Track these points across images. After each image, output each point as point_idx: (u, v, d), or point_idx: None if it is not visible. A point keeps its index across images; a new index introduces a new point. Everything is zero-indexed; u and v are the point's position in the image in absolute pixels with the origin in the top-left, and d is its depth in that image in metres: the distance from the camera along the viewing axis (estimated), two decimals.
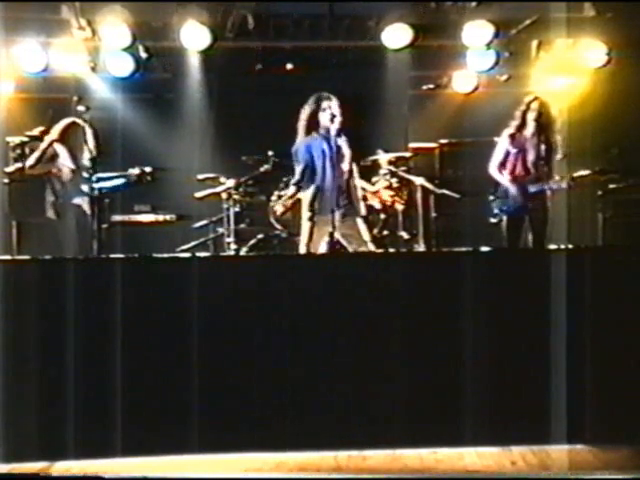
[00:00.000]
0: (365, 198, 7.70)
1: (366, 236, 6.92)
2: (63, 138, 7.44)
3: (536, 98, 7.03)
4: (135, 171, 7.69)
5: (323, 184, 6.86)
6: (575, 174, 7.43)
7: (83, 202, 7.29)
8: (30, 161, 7.38)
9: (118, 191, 7.89)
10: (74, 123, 7.31)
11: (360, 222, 6.93)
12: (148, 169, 7.83)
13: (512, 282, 5.08)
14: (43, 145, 7.42)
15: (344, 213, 6.88)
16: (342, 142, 6.86)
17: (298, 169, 6.89)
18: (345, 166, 6.92)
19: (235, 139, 9.13)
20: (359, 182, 6.94)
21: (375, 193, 7.71)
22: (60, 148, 7.47)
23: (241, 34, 8.65)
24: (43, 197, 7.70)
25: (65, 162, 7.42)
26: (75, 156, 7.42)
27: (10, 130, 8.30)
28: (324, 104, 6.86)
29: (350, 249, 6.82)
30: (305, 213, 6.95)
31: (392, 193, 7.94)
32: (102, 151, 7.29)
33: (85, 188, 7.13)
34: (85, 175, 7.10)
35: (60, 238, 7.29)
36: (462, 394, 4.96)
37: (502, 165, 7.05)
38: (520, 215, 6.99)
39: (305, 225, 6.93)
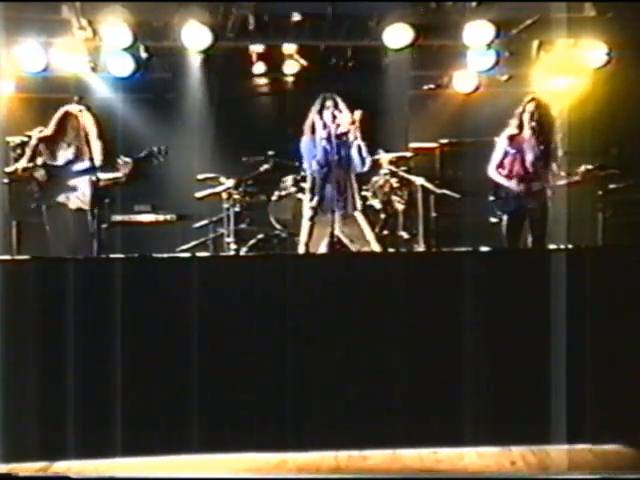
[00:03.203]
0: (365, 198, 7.73)
1: (369, 236, 6.94)
2: (55, 133, 7.06)
3: (533, 99, 7.02)
4: (142, 154, 7.38)
5: (324, 184, 6.88)
6: (577, 170, 7.44)
7: (67, 200, 6.93)
8: (22, 163, 7.10)
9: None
10: (68, 114, 7.12)
11: (362, 222, 6.95)
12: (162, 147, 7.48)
13: (512, 282, 5.08)
14: (32, 143, 7.09)
15: (345, 213, 6.90)
16: (343, 141, 6.89)
17: (307, 166, 6.96)
18: (346, 166, 6.95)
19: (235, 139, 9.13)
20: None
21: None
22: (43, 146, 7.08)
23: (242, 34, 8.65)
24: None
25: (48, 160, 7.01)
26: (61, 151, 7.02)
27: (10, 130, 8.31)
28: (327, 104, 6.90)
29: (353, 249, 6.83)
30: (306, 212, 6.97)
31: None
32: (106, 139, 7.15)
33: (78, 182, 6.96)
34: (86, 165, 6.93)
35: (52, 242, 7.04)
36: (462, 394, 4.95)
37: (501, 166, 7.05)
38: (520, 215, 6.99)
39: (305, 224, 6.94)
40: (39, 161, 6.98)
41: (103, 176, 7.05)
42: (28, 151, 7.03)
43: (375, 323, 5.05)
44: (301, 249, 6.92)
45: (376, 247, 6.92)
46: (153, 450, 4.85)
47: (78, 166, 6.93)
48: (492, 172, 7.05)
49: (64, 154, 7.00)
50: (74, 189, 6.88)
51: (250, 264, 5.61)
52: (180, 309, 4.96)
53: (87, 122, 7.01)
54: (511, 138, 7.00)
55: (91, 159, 6.98)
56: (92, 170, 6.95)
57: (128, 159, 6.96)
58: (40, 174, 6.96)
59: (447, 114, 9.50)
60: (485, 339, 4.99)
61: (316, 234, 6.89)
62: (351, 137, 6.94)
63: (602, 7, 8.28)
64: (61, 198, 6.93)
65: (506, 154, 7.01)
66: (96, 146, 7.02)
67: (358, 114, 6.92)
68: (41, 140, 7.01)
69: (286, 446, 4.89)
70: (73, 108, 7.03)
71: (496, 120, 7.65)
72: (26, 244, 7.96)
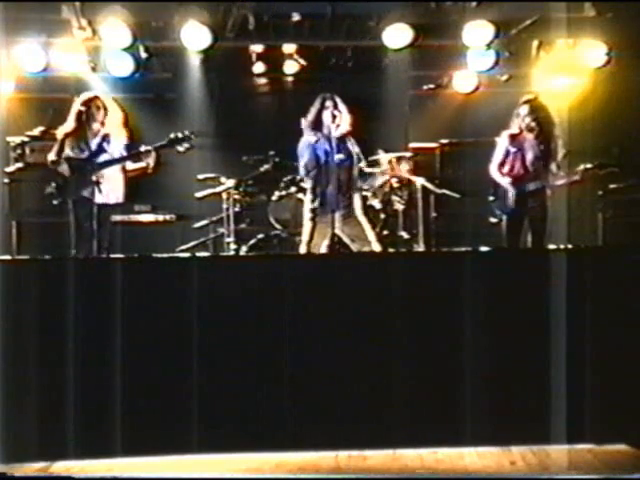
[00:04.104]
0: (365, 198, 7.73)
1: (370, 236, 6.94)
2: (78, 125, 6.81)
3: (531, 100, 7.03)
4: (164, 141, 7.00)
5: (325, 184, 6.88)
6: (576, 169, 7.45)
7: (93, 194, 6.62)
8: (51, 156, 6.74)
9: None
10: (89, 104, 6.86)
11: (364, 222, 6.96)
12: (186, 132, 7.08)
13: (512, 282, 5.08)
14: (58, 138, 6.81)
15: (346, 213, 6.90)
16: (344, 142, 6.90)
17: (301, 168, 6.96)
18: (347, 166, 6.95)
19: (235, 139, 9.13)
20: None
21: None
22: (68, 140, 6.81)
23: (241, 34, 8.64)
24: (43, 197, 7.55)
25: (72, 153, 6.74)
26: (85, 143, 6.81)
27: (10, 130, 8.31)
28: (327, 104, 6.91)
29: (353, 248, 6.84)
30: (306, 213, 6.97)
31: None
32: (130, 127, 6.97)
33: (105, 174, 6.63)
34: (112, 155, 6.73)
35: (77, 239, 6.59)
36: (462, 394, 4.96)
37: (502, 165, 7.05)
38: (520, 215, 6.99)
39: (307, 225, 6.95)
40: (63, 155, 6.74)
41: (130, 166, 6.87)
42: (56, 146, 6.75)
43: (375, 323, 5.05)
44: (303, 249, 6.92)
45: (377, 247, 6.93)
46: (153, 450, 4.85)
47: (104, 157, 6.75)
48: (494, 171, 7.06)
49: (89, 146, 6.81)
50: (100, 182, 6.62)
51: (250, 264, 5.62)
52: (180, 309, 4.96)
53: (110, 111, 6.85)
54: (512, 137, 7.01)
55: (117, 149, 6.82)
56: (118, 160, 6.78)
57: (149, 147, 6.75)
58: (63, 168, 6.70)
59: (447, 114, 9.49)
60: (485, 339, 5.00)
61: (317, 234, 6.89)
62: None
63: (602, 7, 8.27)
64: (86, 192, 6.64)
65: (507, 153, 7.02)
66: (121, 135, 6.86)
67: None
68: (67, 135, 6.79)
69: (286, 446, 4.89)
70: (94, 98, 6.88)
71: (496, 120, 7.65)
72: (26, 244, 7.96)
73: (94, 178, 6.60)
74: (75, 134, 6.82)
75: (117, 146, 6.87)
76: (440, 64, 9.33)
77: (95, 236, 6.51)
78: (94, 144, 6.83)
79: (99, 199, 6.62)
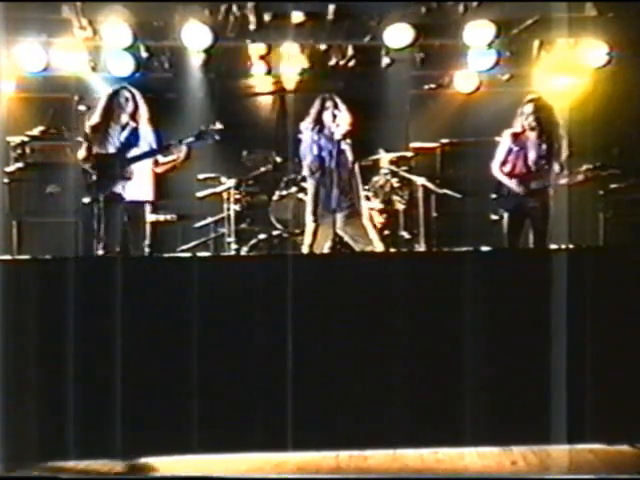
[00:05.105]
0: (367, 198, 7.74)
1: (372, 235, 6.95)
2: (105, 120, 6.63)
3: (535, 99, 7.04)
4: (193, 135, 6.80)
5: (326, 184, 6.88)
6: (579, 169, 7.46)
7: (123, 190, 6.43)
8: (82, 153, 6.47)
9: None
10: (115, 97, 6.68)
11: (366, 222, 6.97)
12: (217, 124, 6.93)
13: (512, 282, 5.08)
14: (86, 133, 6.56)
15: (348, 213, 6.91)
16: (344, 142, 6.90)
17: (305, 169, 6.97)
18: (348, 166, 6.95)
19: (236, 139, 9.12)
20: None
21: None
22: (95, 135, 6.58)
23: (242, 34, 8.64)
24: (44, 196, 7.53)
25: (100, 149, 6.51)
26: (113, 137, 6.61)
27: (11, 130, 8.31)
28: (327, 104, 6.92)
29: (356, 248, 6.85)
30: (309, 214, 6.97)
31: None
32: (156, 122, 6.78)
33: (135, 169, 6.45)
34: (142, 150, 6.56)
35: (106, 238, 6.32)
36: (462, 394, 4.95)
37: (504, 163, 7.05)
38: (521, 213, 6.99)
39: (309, 226, 6.95)
40: (92, 151, 6.48)
41: (161, 159, 6.69)
42: (84, 142, 6.48)
43: (376, 322, 5.04)
44: (305, 250, 6.93)
45: (380, 246, 6.94)
46: (153, 450, 4.85)
47: (134, 151, 6.58)
48: (495, 169, 7.06)
49: (117, 140, 6.62)
50: (130, 178, 6.45)
51: (250, 264, 5.61)
52: (180, 309, 4.96)
53: (138, 105, 6.68)
54: (515, 136, 7.01)
55: (146, 142, 6.66)
56: (148, 154, 6.62)
57: (174, 141, 6.61)
58: (92, 164, 6.40)
59: (448, 114, 9.48)
60: (485, 339, 4.99)
61: (320, 235, 6.90)
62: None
63: (603, 7, 8.27)
64: (117, 188, 6.43)
65: (510, 151, 7.02)
66: (149, 129, 6.70)
67: None
68: (93, 129, 6.58)
69: (286, 446, 4.88)
70: (121, 89, 6.75)
71: (497, 120, 7.66)
72: (26, 244, 7.96)
73: (124, 174, 6.44)
74: (103, 128, 6.63)
75: (146, 139, 6.69)
76: (441, 64, 9.32)
77: (128, 234, 6.42)
78: (123, 138, 6.63)
79: (130, 195, 6.47)
